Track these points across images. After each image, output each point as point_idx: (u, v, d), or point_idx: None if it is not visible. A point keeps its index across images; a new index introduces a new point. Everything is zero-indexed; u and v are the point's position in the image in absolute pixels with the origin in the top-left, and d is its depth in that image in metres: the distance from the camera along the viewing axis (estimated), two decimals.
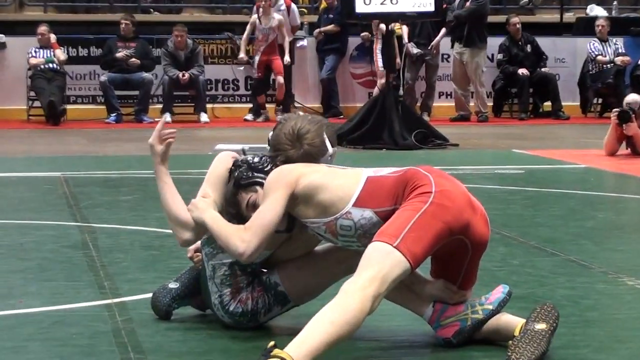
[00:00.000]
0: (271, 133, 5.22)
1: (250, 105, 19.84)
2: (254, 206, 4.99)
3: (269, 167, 5.07)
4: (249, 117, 19.61)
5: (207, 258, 5.26)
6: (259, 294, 5.20)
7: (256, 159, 5.13)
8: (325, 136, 5.13)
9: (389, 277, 4.55)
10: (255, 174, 5.06)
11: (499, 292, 5.01)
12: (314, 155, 5.08)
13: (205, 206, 5.09)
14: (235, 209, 5.07)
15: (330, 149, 5.14)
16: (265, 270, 5.24)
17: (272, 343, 4.36)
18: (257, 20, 19.23)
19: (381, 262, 4.57)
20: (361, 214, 4.83)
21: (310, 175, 4.92)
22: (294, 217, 5.00)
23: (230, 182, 5.12)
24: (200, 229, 5.12)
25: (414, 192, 4.77)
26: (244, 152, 5.27)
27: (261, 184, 4.98)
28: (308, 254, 5.23)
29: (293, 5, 20.05)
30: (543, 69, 20.29)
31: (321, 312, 4.47)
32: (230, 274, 5.20)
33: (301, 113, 5.32)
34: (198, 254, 5.40)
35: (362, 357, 4.92)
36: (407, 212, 4.70)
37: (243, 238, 4.85)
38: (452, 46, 19.65)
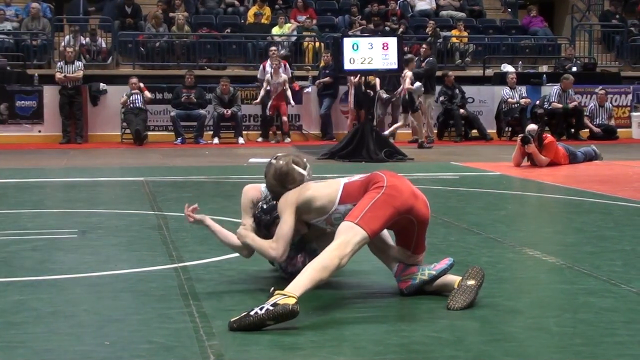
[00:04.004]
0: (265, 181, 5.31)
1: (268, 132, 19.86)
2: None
3: (274, 204, 5.21)
4: (260, 139, 19.69)
5: None
6: (305, 257, 5.29)
7: (265, 206, 5.31)
8: (296, 167, 5.19)
9: (350, 242, 4.66)
10: (271, 215, 5.24)
11: (445, 263, 5.03)
12: (299, 184, 5.17)
13: (246, 232, 5.24)
14: (270, 237, 5.20)
15: (304, 172, 5.22)
16: (305, 242, 5.35)
17: (272, 288, 4.52)
18: (270, 77, 19.28)
19: (345, 233, 4.71)
20: (345, 207, 4.93)
21: (304, 193, 5.04)
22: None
23: (261, 226, 5.31)
24: (249, 247, 5.24)
25: (372, 187, 4.88)
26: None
27: (278, 217, 5.12)
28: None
29: (287, 65, 20.01)
30: (466, 110, 20.31)
31: (308, 264, 4.64)
32: None
33: (273, 161, 5.24)
34: None
35: (348, 300, 4.91)
36: (365, 200, 4.83)
37: (272, 247, 5.03)
38: None
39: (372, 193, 4.83)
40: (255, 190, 5.44)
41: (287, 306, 4.29)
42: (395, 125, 18.48)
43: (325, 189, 5.04)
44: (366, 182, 4.95)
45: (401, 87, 18.14)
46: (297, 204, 4.99)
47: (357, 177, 5.08)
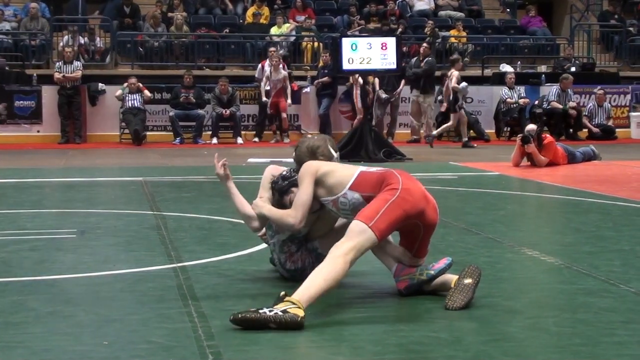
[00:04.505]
0: (294, 154, 5.35)
1: (269, 132, 19.91)
2: (292, 202, 5.17)
3: (295, 175, 5.22)
4: (256, 139, 19.67)
5: (270, 237, 5.44)
6: (305, 256, 5.34)
7: (286, 173, 5.34)
8: (329, 147, 5.28)
9: (362, 247, 4.68)
10: (290, 181, 5.26)
11: (443, 262, 5.04)
12: (327, 160, 5.27)
13: (263, 203, 5.23)
14: (282, 206, 5.24)
15: (335, 154, 5.31)
16: (307, 241, 5.39)
17: (283, 292, 4.48)
18: (270, 74, 19.34)
19: (358, 236, 4.68)
20: (353, 195, 4.93)
21: (324, 166, 5.07)
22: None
23: (275, 192, 5.32)
24: (262, 219, 5.25)
25: (387, 187, 4.86)
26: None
27: (294, 185, 5.16)
28: (332, 229, 5.32)
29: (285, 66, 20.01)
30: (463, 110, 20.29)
31: (317, 269, 4.59)
32: (284, 245, 5.36)
33: (309, 136, 5.44)
34: (265, 236, 5.57)
35: (347, 300, 4.91)
36: (380, 201, 4.79)
37: (291, 215, 5.01)
38: (411, 91, 19.63)
39: (387, 194, 4.81)
40: (278, 170, 5.46)
41: (296, 318, 4.28)
42: (444, 125, 18.58)
43: (342, 170, 5.07)
44: (381, 179, 4.93)
45: (445, 86, 18.33)
46: (316, 175, 5.00)
47: (374, 169, 5.09)
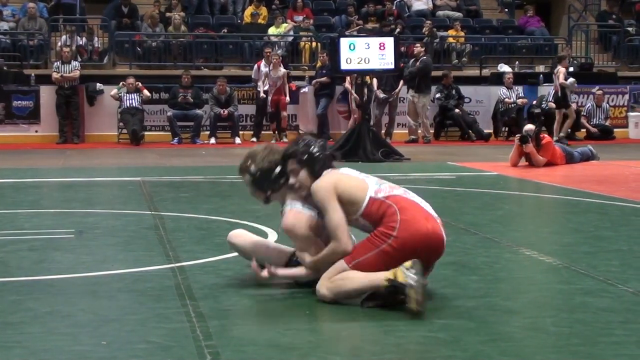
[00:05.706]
0: (296, 155, 5.08)
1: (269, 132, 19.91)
2: (293, 172, 5.02)
3: (318, 155, 5.01)
4: (254, 139, 19.59)
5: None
6: None
7: (316, 150, 5.02)
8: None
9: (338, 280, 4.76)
10: (307, 157, 5.01)
11: None
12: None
13: (305, 260, 5.01)
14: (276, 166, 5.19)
15: None
16: None
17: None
18: (269, 72, 19.39)
19: (336, 271, 4.78)
20: (365, 222, 4.85)
21: (340, 185, 4.87)
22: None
23: (291, 147, 5.10)
24: (315, 267, 4.97)
25: (383, 225, 4.76)
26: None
27: (305, 165, 4.98)
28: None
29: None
30: (459, 110, 20.34)
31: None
32: None
33: (263, 148, 5.50)
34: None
35: (346, 301, 4.89)
36: (368, 244, 4.77)
37: (337, 246, 4.82)
38: (407, 91, 19.63)
39: (379, 240, 4.74)
40: (306, 216, 5.04)
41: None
42: (565, 125, 19.02)
43: (354, 189, 4.87)
44: (384, 209, 4.79)
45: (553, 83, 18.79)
46: (336, 194, 4.82)
47: (384, 186, 4.92)
